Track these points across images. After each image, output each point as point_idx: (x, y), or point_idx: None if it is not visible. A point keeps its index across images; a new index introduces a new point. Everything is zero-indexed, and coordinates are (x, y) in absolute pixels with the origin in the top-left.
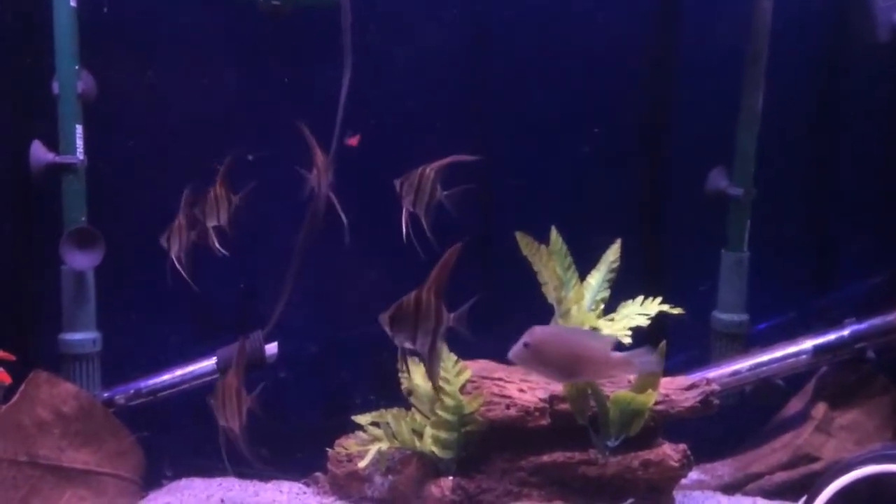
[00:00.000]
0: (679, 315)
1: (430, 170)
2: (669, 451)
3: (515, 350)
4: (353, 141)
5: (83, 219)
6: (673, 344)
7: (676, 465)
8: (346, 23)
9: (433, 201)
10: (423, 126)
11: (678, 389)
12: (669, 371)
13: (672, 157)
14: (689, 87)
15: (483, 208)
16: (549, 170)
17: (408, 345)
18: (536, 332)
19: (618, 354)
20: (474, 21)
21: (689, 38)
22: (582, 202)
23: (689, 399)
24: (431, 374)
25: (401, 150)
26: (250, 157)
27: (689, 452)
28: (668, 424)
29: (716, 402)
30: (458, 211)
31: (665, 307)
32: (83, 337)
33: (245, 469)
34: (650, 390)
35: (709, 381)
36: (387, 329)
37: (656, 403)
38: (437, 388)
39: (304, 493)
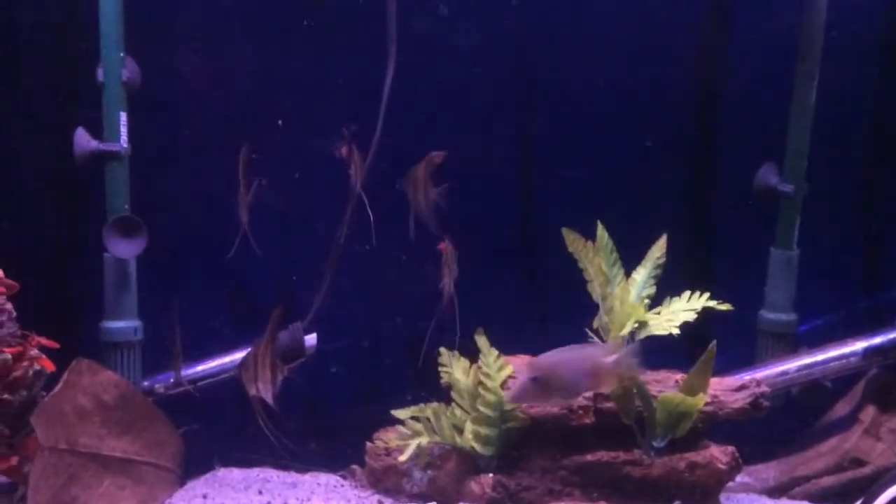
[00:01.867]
0: (725, 313)
1: (422, 169)
2: (717, 454)
3: (521, 388)
4: (343, 151)
5: (126, 207)
6: (718, 343)
7: (724, 467)
8: (392, 11)
9: (428, 199)
10: (465, 120)
11: (727, 390)
12: (714, 371)
13: (721, 152)
14: (739, 81)
15: (527, 204)
16: (594, 165)
17: None
18: (540, 364)
19: (612, 359)
20: (520, 14)
21: (740, 31)
22: (628, 198)
23: (739, 400)
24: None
25: (443, 145)
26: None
27: (737, 455)
28: (713, 426)
29: (766, 403)
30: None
31: (712, 303)
32: (125, 325)
33: (283, 460)
34: (700, 392)
35: (758, 383)
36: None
37: (705, 404)
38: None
39: (342, 485)
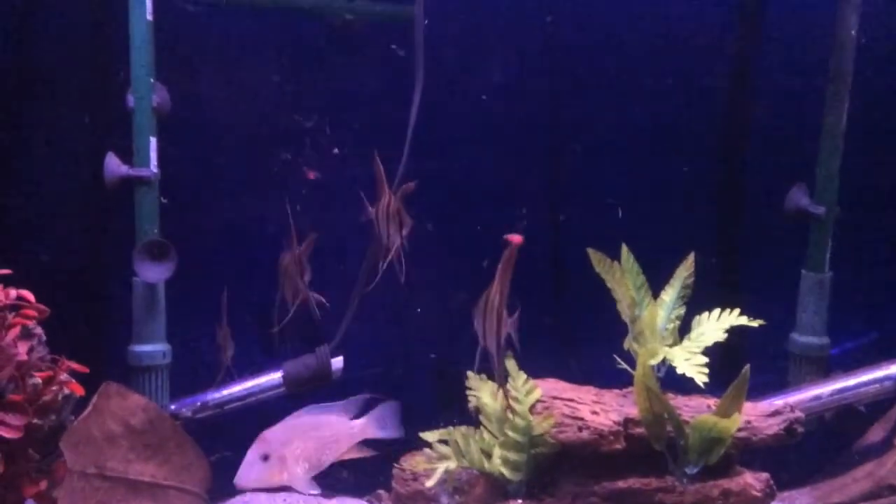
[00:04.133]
0: (755, 337)
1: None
2: (751, 480)
3: (249, 468)
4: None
5: (156, 231)
6: (752, 367)
7: (759, 494)
8: (419, 37)
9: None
10: (491, 141)
11: (761, 416)
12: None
13: (750, 173)
14: (769, 101)
15: (553, 224)
16: (622, 185)
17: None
18: (271, 439)
19: (357, 424)
20: (547, 35)
21: (770, 51)
22: (656, 219)
23: (773, 426)
24: (499, 374)
25: (470, 166)
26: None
27: (772, 482)
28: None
29: (800, 430)
30: (516, 228)
31: (743, 319)
32: (153, 349)
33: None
34: (735, 415)
35: (793, 408)
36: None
37: (738, 430)
38: (502, 387)
39: None
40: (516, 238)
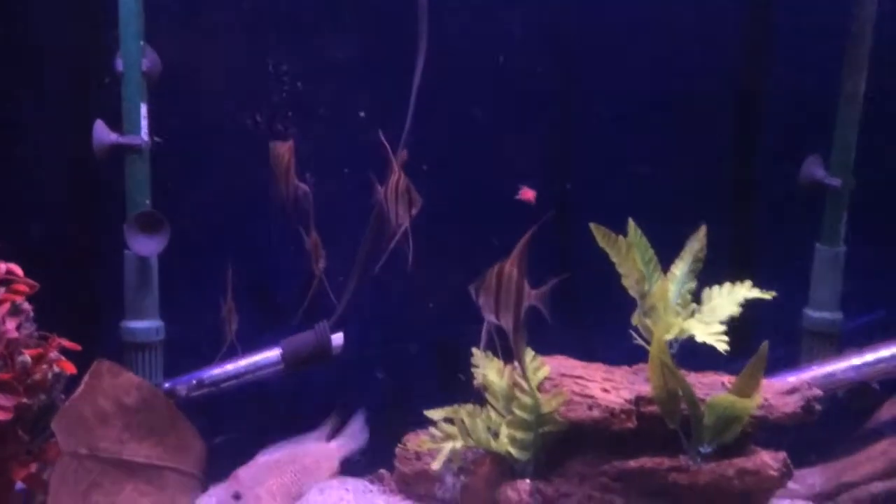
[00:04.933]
0: (767, 312)
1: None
2: (768, 460)
3: None
4: (528, 194)
5: (147, 202)
6: (758, 342)
7: (776, 474)
8: (423, 3)
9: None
10: (499, 111)
11: (777, 394)
12: None
13: (763, 144)
14: (785, 67)
15: (560, 197)
16: (631, 156)
17: (492, 318)
18: (244, 477)
19: (334, 445)
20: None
21: (786, 17)
22: (666, 191)
23: (790, 404)
24: (517, 353)
25: (478, 139)
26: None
27: (788, 461)
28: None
29: (818, 407)
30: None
31: (756, 292)
32: (146, 325)
33: None
34: (753, 394)
35: (810, 386)
36: (474, 299)
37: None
38: (523, 368)
39: (371, 490)
40: (529, 193)
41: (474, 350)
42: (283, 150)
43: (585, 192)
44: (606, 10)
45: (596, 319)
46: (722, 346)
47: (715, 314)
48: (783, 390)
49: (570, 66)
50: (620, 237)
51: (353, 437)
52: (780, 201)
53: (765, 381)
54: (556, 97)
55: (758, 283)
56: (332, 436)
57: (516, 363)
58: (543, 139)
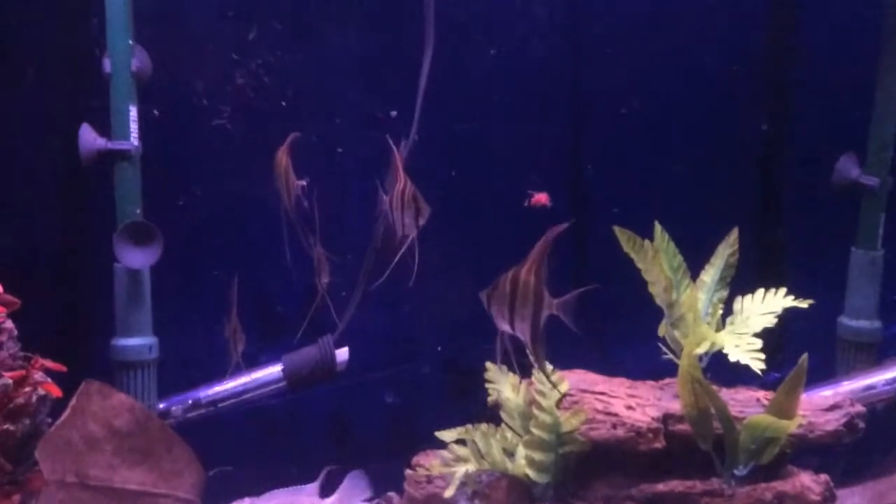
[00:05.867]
0: (798, 319)
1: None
2: (809, 483)
3: None
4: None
5: (138, 212)
6: (788, 352)
7: (818, 498)
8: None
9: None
10: (513, 111)
11: (818, 410)
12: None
13: (794, 142)
14: (815, 63)
15: (576, 200)
16: (654, 159)
17: (506, 328)
18: None
19: (329, 500)
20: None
21: (816, 9)
22: (692, 194)
23: (832, 422)
24: (538, 363)
25: (490, 139)
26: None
27: (831, 484)
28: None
29: (861, 425)
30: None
31: (790, 301)
32: (138, 342)
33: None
34: (792, 414)
35: (853, 402)
36: (486, 307)
37: None
38: (546, 376)
39: None
40: (542, 197)
41: (488, 365)
42: (281, 151)
43: (604, 194)
44: (629, 6)
45: (616, 329)
46: (758, 365)
47: (748, 325)
48: (824, 406)
49: (588, 64)
50: (647, 242)
51: (351, 494)
52: (811, 202)
53: (803, 397)
54: (573, 96)
55: (788, 290)
56: (327, 492)
57: (534, 378)
58: (559, 140)
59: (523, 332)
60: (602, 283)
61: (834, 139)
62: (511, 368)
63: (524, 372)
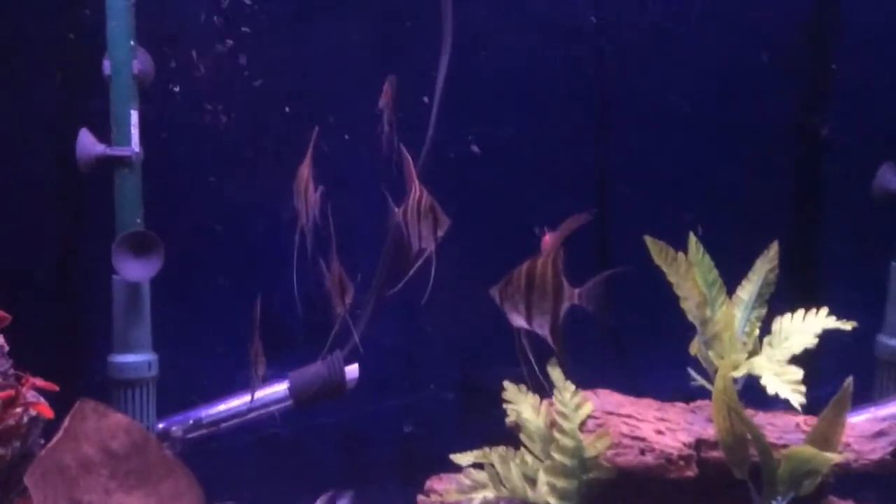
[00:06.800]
0: (831, 336)
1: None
2: None
3: None
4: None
5: (139, 221)
6: (821, 371)
7: None
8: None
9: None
10: (533, 119)
11: (862, 437)
12: (815, 407)
13: (830, 151)
14: (853, 64)
15: (600, 208)
16: (682, 168)
17: (521, 323)
18: None
19: None
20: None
21: (853, 11)
22: (722, 205)
23: (877, 450)
24: (560, 360)
25: (511, 146)
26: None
27: None
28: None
29: None
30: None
31: (832, 321)
32: (137, 359)
33: None
34: (836, 444)
35: None
36: (499, 304)
37: None
38: (565, 371)
39: None
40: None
41: (506, 384)
42: (303, 167)
43: (627, 203)
44: (656, 13)
45: (642, 347)
46: (798, 399)
47: (787, 347)
48: (869, 433)
49: (617, 69)
50: (680, 254)
51: None
52: (849, 214)
53: (847, 422)
54: (598, 103)
55: (823, 304)
56: None
57: (555, 399)
58: (583, 144)
59: (542, 327)
60: (628, 295)
61: (875, 147)
62: (532, 371)
63: (541, 388)
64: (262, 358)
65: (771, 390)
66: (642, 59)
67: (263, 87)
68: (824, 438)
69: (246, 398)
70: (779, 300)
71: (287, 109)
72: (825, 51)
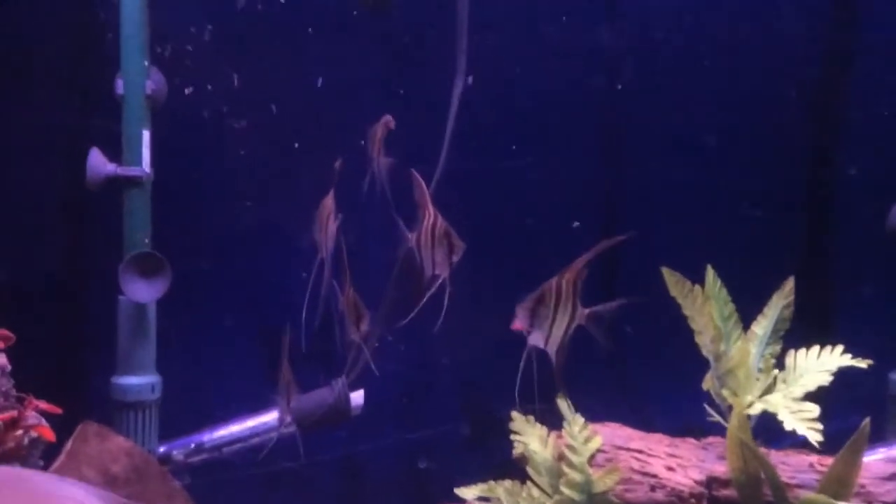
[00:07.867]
0: (841, 372)
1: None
2: None
3: None
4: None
5: (147, 241)
6: (830, 409)
7: None
8: (462, 18)
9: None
10: (542, 143)
11: (877, 479)
12: (827, 443)
13: (843, 187)
14: (868, 95)
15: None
16: (691, 198)
17: (539, 342)
18: None
19: None
20: (610, 22)
21: (869, 39)
22: (734, 237)
23: (892, 493)
24: (558, 378)
25: (522, 169)
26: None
27: None
28: None
29: None
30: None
31: (847, 359)
32: (141, 381)
33: None
34: (852, 488)
35: None
36: (526, 324)
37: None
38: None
39: None
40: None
41: (514, 414)
42: (328, 198)
43: (639, 236)
44: (668, 40)
45: (649, 380)
46: (815, 437)
47: (801, 384)
48: (884, 475)
49: (629, 100)
50: (697, 287)
51: None
52: (862, 250)
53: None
54: (611, 133)
55: (834, 343)
56: None
57: (564, 431)
58: (593, 178)
59: (553, 345)
60: (634, 328)
61: (890, 182)
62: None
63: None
64: (295, 387)
65: (788, 427)
66: (656, 90)
67: (275, 110)
68: (839, 481)
69: (248, 423)
70: (791, 335)
71: (298, 132)
72: (842, 85)
